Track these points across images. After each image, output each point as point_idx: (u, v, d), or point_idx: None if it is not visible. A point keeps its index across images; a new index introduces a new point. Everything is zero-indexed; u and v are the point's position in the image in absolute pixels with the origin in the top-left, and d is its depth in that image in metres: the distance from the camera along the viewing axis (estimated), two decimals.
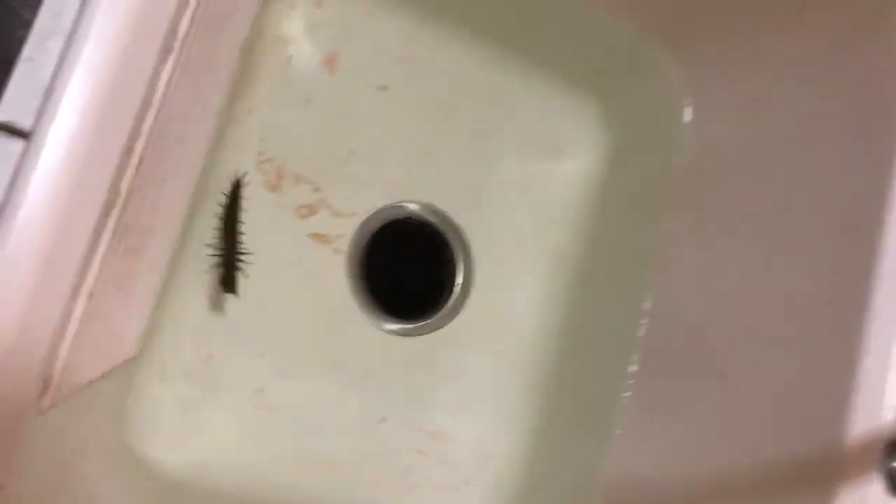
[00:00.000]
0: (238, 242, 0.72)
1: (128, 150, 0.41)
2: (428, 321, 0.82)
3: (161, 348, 0.71)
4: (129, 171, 0.42)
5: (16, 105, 0.43)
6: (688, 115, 0.79)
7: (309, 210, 0.78)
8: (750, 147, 0.73)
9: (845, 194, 0.63)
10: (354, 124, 0.80)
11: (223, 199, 0.73)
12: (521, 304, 0.83)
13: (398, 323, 0.81)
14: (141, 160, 0.43)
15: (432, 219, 0.82)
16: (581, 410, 0.80)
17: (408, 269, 0.84)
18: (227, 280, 0.71)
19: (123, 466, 0.61)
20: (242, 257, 0.72)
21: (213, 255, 0.72)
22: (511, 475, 0.81)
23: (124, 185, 0.42)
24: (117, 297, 0.46)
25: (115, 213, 0.41)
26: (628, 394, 0.77)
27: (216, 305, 0.72)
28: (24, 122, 0.43)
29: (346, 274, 0.79)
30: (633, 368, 0.77)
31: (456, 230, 0.83)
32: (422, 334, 0.82)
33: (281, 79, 0.77)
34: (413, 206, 0.82)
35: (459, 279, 0.83)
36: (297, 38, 0.78)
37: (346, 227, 0.79)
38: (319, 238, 0.78)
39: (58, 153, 0.39)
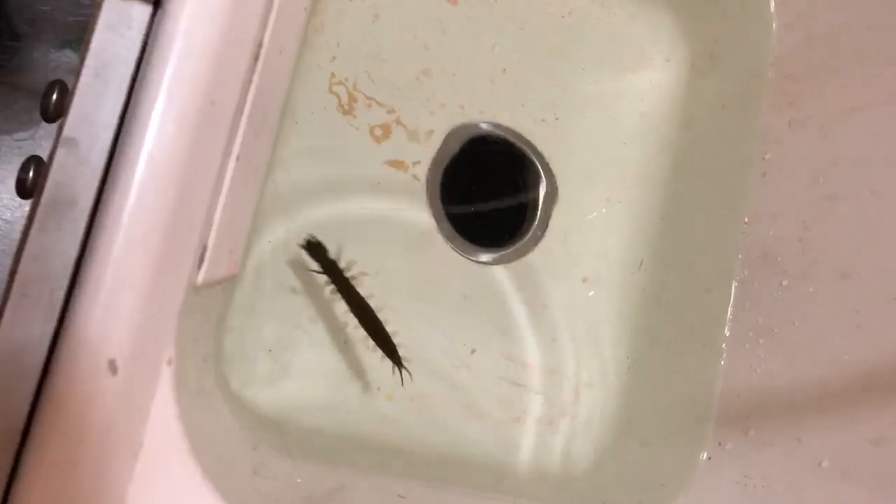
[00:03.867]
0: (377, 325, 0.64)
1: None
2: (512, 248, 0.78)
3: (250, 284, 0.67)
4: (270, 23, 0.37)
5: None
6: (772, 5, 0.75)
7: (383, 133, 0.74)
8: (845, 33, 0.69)
9: None
10: (425, 42, 0.75)
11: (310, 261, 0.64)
12: (608, 225, 0.79)
13: (483, 250, 0.76)
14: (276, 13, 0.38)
15: (511, 140, 0.78)
16: (682, 332, 0.76)
17: (488, 194, 0.80)
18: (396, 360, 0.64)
19: (224, 395, 0.56)
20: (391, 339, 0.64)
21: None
22: (610, 404, 0.77)
23: (266, 37, 0.37)
24: (243, 183, 0.42)
25: (258, 67, 0.36)
26: (733, 307, 0.73)
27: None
28: None
29: (427, 202, 0.75)
30: (737, 280, 0.73)
31: (536, 151, 0.79)
32: (507, 262, 0.77)
33: None
34: (490, 128, 0.77)
35: (541, 203, 0.79)
36: None
37: (422, 151, 0.75)
38: (397, 164, 0.74)
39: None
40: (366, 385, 0.71)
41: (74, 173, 0.37)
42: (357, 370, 0.71)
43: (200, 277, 0.34)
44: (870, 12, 0.67)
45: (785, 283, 0.68)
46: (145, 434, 0.31)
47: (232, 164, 0.35)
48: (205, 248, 0.35)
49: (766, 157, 0.73)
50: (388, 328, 0.70)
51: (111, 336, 0.30)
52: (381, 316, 0.66)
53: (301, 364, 0.69)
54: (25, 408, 0.33)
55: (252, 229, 0.66)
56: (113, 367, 0.30)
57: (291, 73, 0.52)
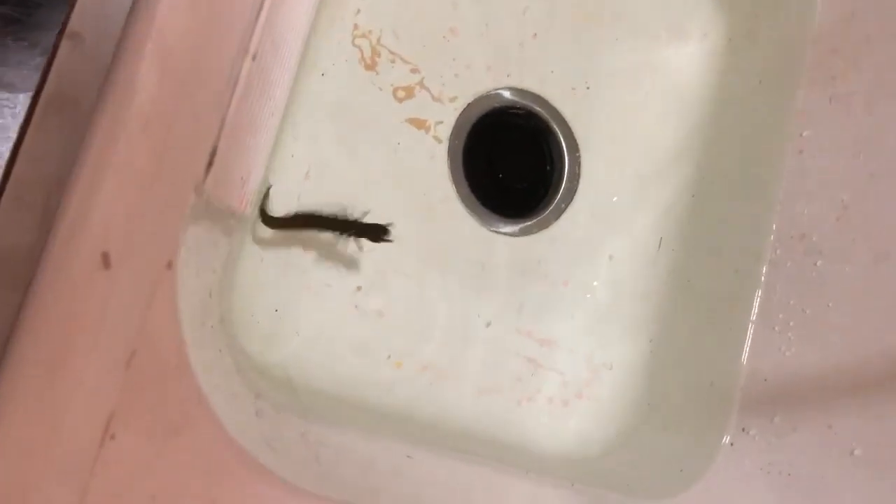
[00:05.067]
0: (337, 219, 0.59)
1: None
2: (534, 220, 0.75)
3: (259, 242, 0.64)
4: None
5: None
6: None
7: (406, 93, 0.71)
8: (892, 4, 0.66)
9: None
10: None
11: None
12: (636, 201, 0.76)
13: (503, 221, 0.73)
14: None
15: (537, 108, 0.75)
16: (709, 313, 0.72)
17: (512, 162, 0.77)
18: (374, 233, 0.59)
19: (227, 341, 0.53)
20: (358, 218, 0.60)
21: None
22: (629, 386, 0.74)
23: None
24: (259, 98, 0.39)
25: None
26: (763, 288, 0.70)
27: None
28: None
29: (448, 165, 0.72)
30: (768, 261, 0.70)
31: (564, 120, 0.76)
32: (528, 234, 0.74)
33: None
34: (516, 95, 0.75)
35: (567, 174, 0.76)
36: None
37: (445, 113, 0.72)
38: (418, 124, 0.71)
39: None
40: (374, 351, 0.68)
41: (78, 70, 0.34)
42: (365, 336, 0.68)
43: (208, 180, 0.32)
44: None
45: (819, 263, 0.65)
46: (140, 340, 0.28)
47: (248, 63, 0.32)
48: (214, 151, 0.32)
49: (804, 133, 0.69)
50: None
51: (105, 226, 0.27)
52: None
53: (308, 325, 0.66)
54: (11, 320, 0.30)
55: (266, 181, 0.63)
56: (106, 261, 0.27)
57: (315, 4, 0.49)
